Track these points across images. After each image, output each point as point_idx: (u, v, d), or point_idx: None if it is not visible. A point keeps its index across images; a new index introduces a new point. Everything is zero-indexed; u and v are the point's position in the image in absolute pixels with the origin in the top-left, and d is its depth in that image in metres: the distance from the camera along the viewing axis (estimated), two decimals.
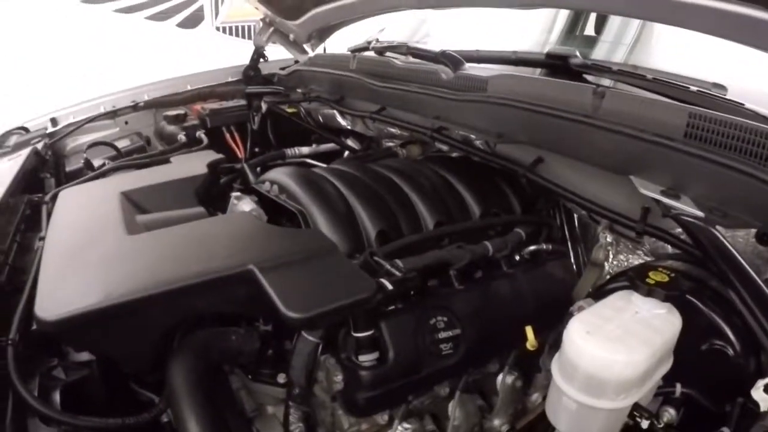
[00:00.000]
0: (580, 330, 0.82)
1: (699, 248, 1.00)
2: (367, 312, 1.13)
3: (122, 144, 2.19)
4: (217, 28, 6.37)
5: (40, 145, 2.05)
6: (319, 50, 2.61)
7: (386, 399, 1.20)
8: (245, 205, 1.47)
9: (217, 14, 6.28)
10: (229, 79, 2.58)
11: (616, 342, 0.80)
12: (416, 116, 1.76)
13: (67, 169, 2.12)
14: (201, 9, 6.23)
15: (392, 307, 1.21)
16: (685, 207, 1.05)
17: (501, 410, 1.40)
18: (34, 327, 1.06)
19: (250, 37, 6.53)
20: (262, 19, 2.51)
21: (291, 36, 2.50)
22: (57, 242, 1.22)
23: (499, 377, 1.38)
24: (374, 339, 1.16)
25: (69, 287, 1.02)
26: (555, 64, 1.55)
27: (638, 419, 0.87)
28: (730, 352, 0.99)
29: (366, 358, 1.15)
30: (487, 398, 1.44)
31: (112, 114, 2.34)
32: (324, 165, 1.88)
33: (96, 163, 2.02)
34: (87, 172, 1.97)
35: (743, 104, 1.19)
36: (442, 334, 1.23)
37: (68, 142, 2.25)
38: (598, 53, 1.95)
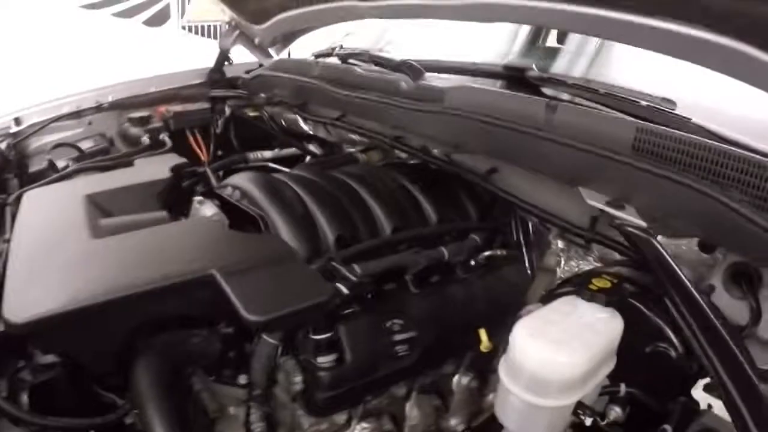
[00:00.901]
0: (525, 332, 0.87)
1: (639, 256, 1.05)
2: (326, 315, 1.16)
3: (86, 145, 2.16)
4: (183, 27, 6.35)
5: (3, 145, 2.02)
6: (284, 54, 2.63)
7: (345, 399, 1.24)
8: (207, 209, 1.48)
9: (183, 13, 6.26)
10: (195, 82, 2.57)
11: (558, 344, 0.85)
12: (376, 124, 1.79)
13: (31, 169, 2.07)
14: (167, 7, 6.21)
15: (349, 311, 1.23)
16: (629, 217, 1.10)
17: (457, 410, 1.47)
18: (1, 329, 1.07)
19: (215, 37, 6.54)
20: (227, 23, 2.51)
21: (256, 40, 2.51)
22: (22, 245, 1.23)
23: (455, 378, 1.44)
24: (332, 341, 1.18)
25: (36, 290, 1.03)
26: (513, 76, 1.60)
27: (582, 417, 0.92)
28: (673, 354, 1.05)
29: (324, 360, 1.17)
30: (444, 399, 1.48)
31: (76, 114, 2.30)
32: (286, 169, 1.90)
33: (60, 164, 1.99)
34: (50, 173, 1.94)
35: (690, 119, 1.25)
36: (398, 336, 1.26)
37: (31, 142, 2.18)
38: (560, 64, 1.99)
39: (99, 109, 2.34)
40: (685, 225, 1.11)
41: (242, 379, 1.24)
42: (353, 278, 1.18)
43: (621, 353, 0.99)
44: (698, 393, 0.95)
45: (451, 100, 1.50)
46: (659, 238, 1.13)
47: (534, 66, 1.56)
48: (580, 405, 0.92)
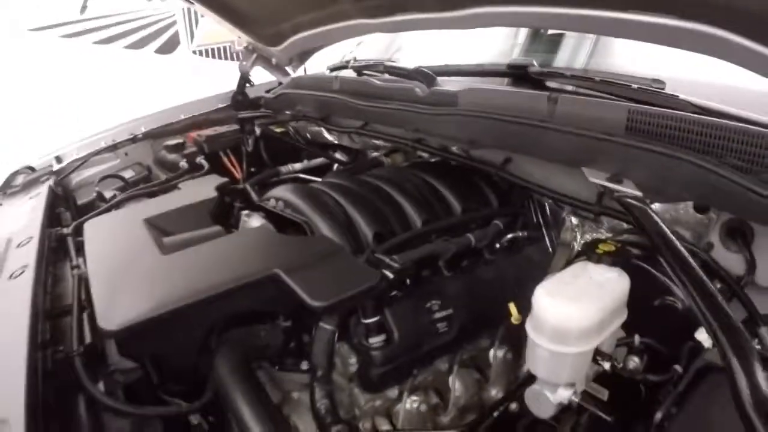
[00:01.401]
0: (544, 293, 1.06)
1: (636, 223, 1.24)
2: (374, 301, 1.35)
3: (128, 175, 2.39)
4: (194, 52, 6.59)
5: (51, 182, 2.24)
6: (300, 71, 2.84)
7: (395, 374, 1.41)
8: (255, 221, 1.69)
9: (192, 38, 6.50)
10: (219, 106, 2.79)
11: (573, 299, 1.03)
12: (398, 129, 1.99)
13: (79, 202, 2.31)
14: (176, 34, 6.46)
15: (394, 295, 1.42)
16: (626, 189, 1.29)
17: (496, 381, 1.62)
18: (89, 341, 1.25)
19: (225, 58, 6.79)
20: (245, 47, 2.73)
21: (273, 60, 2.73)
22: (99, 267, 1.41)
23: (491, 351, 1.60)
24: (380, 324, 1.37)
25: (124, 301, 1.22)
26: (516, 74, 1.78)
27: (600, 362, 1.11)
28: (679, 305, 1.23)
29: (375, 341, 1.35)
30: (483, 371, 1.64)
31: (113, 147, 2.53)
32: (317, 179, 2.10)
33: (107, 194, 2.22)
34: (100, 204, 2.16)
35: (677, 96, 1.42)
36: (437, 315, 1.44)
37: (74, 176, 2.42)
38: (564, 51, 2.16)
39: (134, 140, 2.57)
40: (678, 191, 1.29)
41: (304, 365, 1.41)
42: (395, 266, 1.36)
43: (633, 308, 1.17)
44: (701, 335, 1.13)
45: (464, 102, 1.70)
46: (656, 205, 1.31)
47: (534, 62, 1.74)
48: (598, 352, 1.10)
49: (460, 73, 1.99)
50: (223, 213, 1.85)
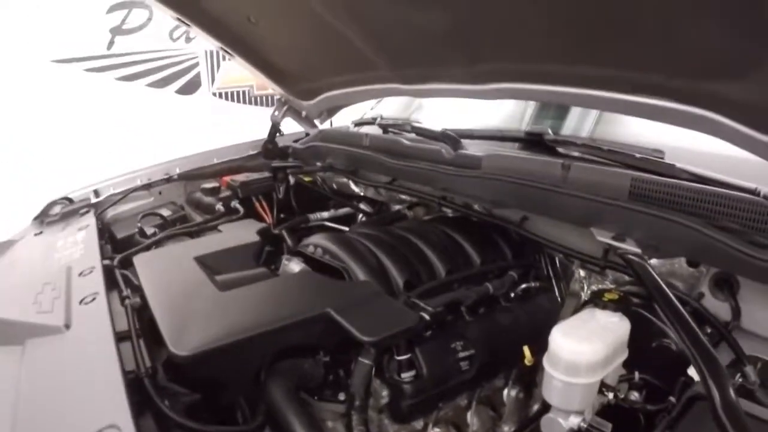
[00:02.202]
0: (560, 334, 1.31)
1: (636, 276, 1.50)
2: (406, 341, 1.56)
3: (165, 213, 2.61)
4: (214, 94, 6.91)
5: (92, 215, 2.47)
6: (326, 123, 3.12)
7: (422, 407, 1.60)
8: (295, 265, 1.92)
9: (213, 81, 6.82)
10: (250, 152, 3.07)
11: (583, 339, 1.29)
12: (424, 186, 2.26)
13: (119, 235, 2.49)
14: (198, 76, 6.78)
15: (423, 335, 1.63)
16: (628, 247, 1.55)
17: (508, 418, 1.81)
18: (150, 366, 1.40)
19: (244, 101, 7.11)
20: (278, 99, 3.02)
21: (303, 113, 3.02)
22: (160, 299, 1.61)
23: (506, 391, 1.81)
24: (411, 361, 1.56)
25: (192, 331, 1.42)
26: (533, 140, 2.06)
27: (605, 393, 1.36)
28: (673, 346, 1.48)
29: (407, 375, 1.54)
30: (497, 409, 1.84)
31: (148, 186, 2.78)
32: (344, 227, 2.36)
33: (148, 230, 2.44)
34: (140, 239, 2.38)
35: (674, 165, 1.67)
36: (461, 354, 1.63)
37: (109, 211, 2.65)
38: (573, 117, 2.40)
39: (168, 180, 2.81)
40: (673, 249, 1.56)
41: (341, 396, 1.59)
42: (430, 309, 1.60)
43: (633, 348, 1.41)
44: (692, 371, 1.37)
45: (487, 166, 1.98)
46: (653, 260, 1.58)
47: (549, 130, 2.02)
48: (603, 385, 1.35)
49: (482, 137, 2.26)
50: (264, 256, 2.10)
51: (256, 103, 7.10)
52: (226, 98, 6.88)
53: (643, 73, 1.50)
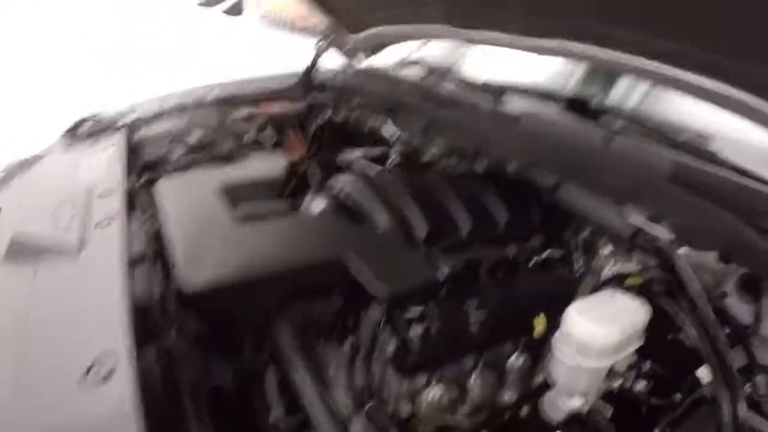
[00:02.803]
0: (575, 312, 1.28)
1: (663, 265, 1.45)
2: (419, 294, 1.56)
3: (193, 137, 2.57)
4: (261, 17, 6.88)
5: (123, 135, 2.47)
6: (369, 60, 3.05)
7: (428, 362, 1.61)
8: (319, 204, 1.90)
9: (260, 4, 6.78)
10: (289, 83, 3.01)
11: (598, 320, 1.26)
12: (459, 138, 2.21)
13: (146, 157, 2.45)
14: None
15: (437, 291, 1.62)
16: (661, 231, 1.50)
17: (511, 386, 1.80)
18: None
19: (288, 28, 7.03)
20: (324, 29, 2.95)
21: (348, 46, 2.95)
22: (175, 227, 1.62)
23: (511, 358, 1.80)
24: (422, 315, 1.55)
25: (205, 264, 1.43)
26: (578, 105, 1.99)
27: (612, 379, 1.33)
28: (688, 342, 1.44)
29: (416, 329, 1.53)
30: (501, 377, 1.82)
31: (182, 108, 2.75)
32: (376, 166, 2.33)
33: (174, 155, 2.43)
34: (164, 163, 2.37)
35: (718, 154, 1.62)
36: (473, 318, 1.62)
37: (139, 132, 2.61)
38: (621, 86, 2.30)
39: (203, 104, 2.80)
40: (706, 241, 1.50)
41: (348, 343, 1.60)
42: (447, 268, 1.58)
43: (648, 337, 1.38)
44: (701, 372, 1.34)
45: (526, 125, 1.91)
46: (683, 249, 1.53)
47: (596, 98, 1.94)
48: (611, 371, 1.32)
49: (525, 93, 2.19)
50: (289, 189, 2.08)
51: (302, 31, 7.03)
52: (273, 24, 6.83)
53: (705, 52, 1.42)
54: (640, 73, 1.69)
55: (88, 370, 1.04)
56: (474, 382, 1.74)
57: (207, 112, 2.82)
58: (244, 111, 2.74)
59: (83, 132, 2.54)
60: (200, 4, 6.44)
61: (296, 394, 1.37)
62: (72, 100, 5.15)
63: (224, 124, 2.77)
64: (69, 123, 2.56)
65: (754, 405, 1.30)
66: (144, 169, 2.31)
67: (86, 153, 2.29)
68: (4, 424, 0.97)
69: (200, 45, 6.08)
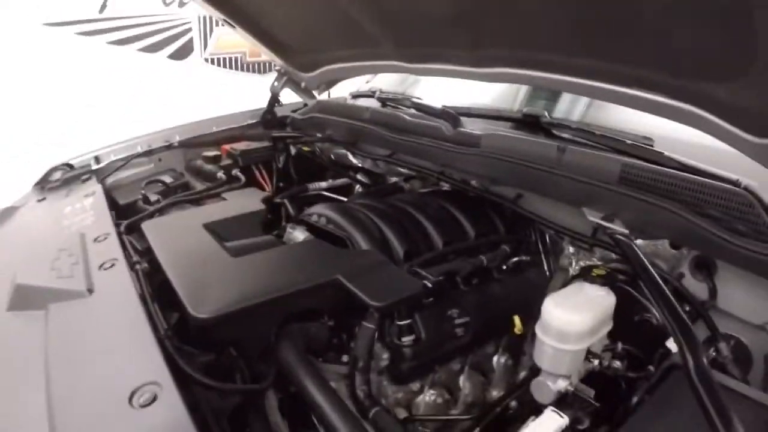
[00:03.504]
0: (552, 303, 1.46)
1: (623, 255, 1.65)
2: (406, 307, 1.69)
3: (167, 180, 2.69)
4: (206, 60, 6.97)
5: (96, 182, 2.56)
6: (324, 95, 3.23)
7: (420, 369, 1.74)
8: (299, 233, 2.04)
9: (205, 47, 6.88)
10: (250, 122, 3.17)
11: (573, 310, 1.44)
12: (424, 161, 2.40)
13: (120, 202, 2.55)
14: (191, 41, 6.83)
15: (422, 303, 1.75)
16: (617, 227, 1.70)
17: (497, 383, 1.96)
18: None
19: (236, 68, 7.16)
20: (278, 70, 3.12)
21: (302, 84, 3.12)
22: (174, 264, 1.71)
23: (495, 358, 1.96)
24: (410, 326, 1.69)
25: (210, 295, 1.52)
26: (529, 121, 2.20)
27: (591, 360, 1.52)
28: (654, 321, 1.64)
29: (406, 339, 1.68)
30: (486, 375, 1.97)
31: (150, 153, 2.86)
32: (342, 198, 2.49)
33: (152, 197, 2.51)
34: (143, 206, 2.47)
35: (663, 153, 1.82)
36: (456, 321, 1.77)
37: (110, 177, 2.71)
38: (565, 101, 2.48)
39: (169, 147, 2.90)
40: (657, 232, 1.71)
41: (344, 358, 1.72)
42: (432, 278, 1.74)
43: (618, 321, 1.57)
44: (670, 343, 1.52)
45: (486, 145, 2.11)
46: (640, 240, 1.73)
47: (546, 113, 2.15)
48: (589, 352, 1.51)
49: (481, 116, 2.39)
50: (268, 223, 2.23)
51: (248, 70, 7.17)
52: (219, 64, 6.96)
53: (637, 69, 1.64)
54: (582, 92, 1.90)
55: (130, 398, 1.14)
56: (463, 383, 1.89)
57: (173, 154, 2.96)
58: (209, 152, 2.86)
59: (55, 181, 2.63)
60: (141, 50, 6.50)
61: (310, 406, 1.46)
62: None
63: (192, 166, 2.90)
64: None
65: (719, 366, 1.52)
66: (120, 212, 2.38)
67: (64, 202, 2.37)
68: None
69: (147, 91, 6.16)
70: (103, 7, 6.21)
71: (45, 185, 2.62)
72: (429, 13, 1.99)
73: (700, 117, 1.59)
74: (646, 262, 1.55)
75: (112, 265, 1.71)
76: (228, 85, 6.11)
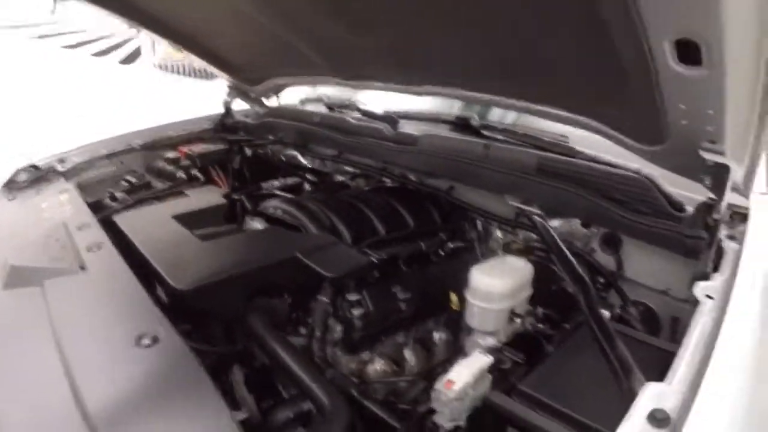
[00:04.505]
0: (478, 271, 1.75)
1: (539, 234, 1.97)
2: (355, 284, 1.94)
3: (131, 180, 2.88)
4: (155, 65, 7.11)
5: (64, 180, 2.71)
6: (273, 101, 3.48)
7: (369, 339, 1.98)
8: (258, 224, 2.30)
9: (155, 52, 7.01)
10: (206, 126, 3.40)
11: (495, 275, 1.74)
12: (368, 159, 2.69)
13: (88, 200, 2.58)
14: (139, 48, 6.97)
15: (369, 280, 2.01)
16: (534, 210, 2.02)
17: (439, 355, 2.17)
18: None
19: (184, 73, 7.30)
20: (228, 85, 3.37)
21: (252, 94, 3.38)
22: (151, 248, 1.91)
23: (435, 333, 2.19)
24: (359, 301, 1.93)
25: (188, 271, 1.75)
26: (462, 124, 2.51)
27: (515, 319, 1.81)
28: (570, 288, 1.92)
29: (356, 312, 1.91)
30: (430, 350, 2.18)
31: (112, 155, 3.02)
32: (291, 195, 2.74)
33: (118, 194, 2.68)
34: (110, 203, 2.63)
35: (575, 147, 2.11)
36: (400, 296, 2.02)
37: (75, 178, 2.83)
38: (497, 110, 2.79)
39: (131, 150, 3.09)
40: (569, 213, 2.04)
41: (302, 330, 1.96)
42: (377, 256, 2.01)
43: (539, 289, 1.87)
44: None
45: (422, 143, 2.41)
46: (555, 222, 2.04)
47: (475, 116, 2.47)
48: (513, 313, 1.80)
49: (418, 118, 2.69)
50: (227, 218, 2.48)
51: (196, 76, 7.32)
52: (167, 70, 7.10)
53: (542, 91, 1.96)
54: (503, 106, 2.21)
55: (137, 342, 1.34)
56: (408, 355, 2.11)
57: (134, 157, 3.13)
58: (169, 154, 3.08)
59: (22, 182, 2.71)
60: (94, 55, 6.61)
61: (281, 366, 1.64)
62: None
63: (153, 167, 3.10)
64: None
65: (625, 322, 1.86)
66: (93, 209, 2.49)
67: (37, 199, 2.50)
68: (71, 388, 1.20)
69: (99, 92, 6.26)
70: (53, 11, 6.31)
71: (13, 186, 2.70)
72: (360, 47, 2.30)
73: (599, 128, 1.89)
74: (557, 238, 1.87)
75: (99, 248, 1.86)
76: (176, 90, 6.26)
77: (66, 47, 6.27)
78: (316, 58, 2.60)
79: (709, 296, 1.38)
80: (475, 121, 2.42)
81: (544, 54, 1.74)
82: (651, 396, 1.05)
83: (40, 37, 6.02)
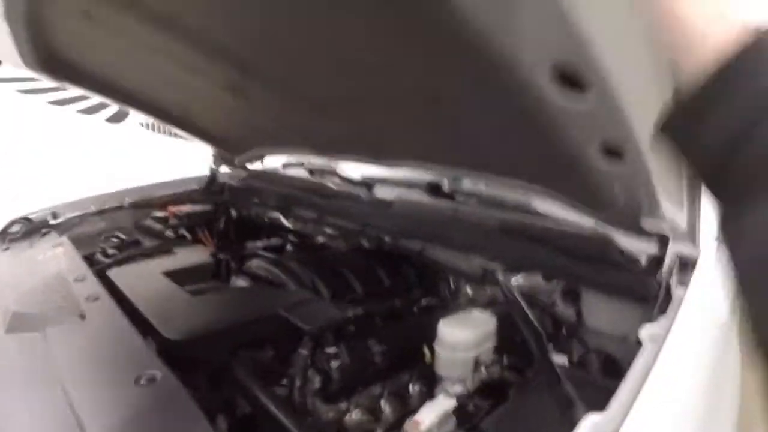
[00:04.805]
0: (445, 324, 1.92)
1: (502, 291, 2.15)
2: (333, 338, 2.07)
3: (122, 236, 3.03)
4: (141, 124, 7.29)
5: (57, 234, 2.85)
6: (257, 165, 3.69)
7: (347, 391, 2.06)
8: (243, 282, 2.48)
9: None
10: (193, 187, 3.59)
11: (459, 326, 1.91)
12: (346, 222, 2.90)
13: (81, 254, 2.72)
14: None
15: (346, 334, 2.16)
16: (498, 268, 2.20)
17: (414, 406, 2.11)
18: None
19: (167, 133, 7.46)
20: (213, 155, 3.60)
21: (236, 161, 3.60)
22: (143, 300, 2.04)
23: (410, 385, 2.26)
24: (337, 354, 2.04)
25: (178, 323, 1.89)
26: (434, 188, 2.72)
27: (481, 367, 1.97)
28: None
29: (334, 364, 2.03)
30: (405, 401, 2.21)
31: (102, 212, 3.19)
32: (273, 256, 2.91)
33: (108, 251, 2.83)
34: (101, 258, 2.77)
35: (536, 208, 2.30)
36: (375, 349, 2.13)
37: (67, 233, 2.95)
38: None
39: (120, 208, 3.27)
40: (531, 268, 2.22)
41: (284, 381, 2.05)
42: (353, 311, 2.17)
43: (504, 341, 2.03)
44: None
45: (397, 207, 2.63)
46: (519, 276, 2.23)
47: (446, 181, 2.68)
48: (477, 361, 1.96)
49: (392, 183, 2.91)
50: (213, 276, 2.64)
51: (179, 136, 7.47)
52: (153, 129, 7.26)
53: (494, 163, 2.16)
54: (459, 174, 2.46)
55: (135, 381, 1.46)
56: (384, 406, 2.17)
57: (123, 214, 3.30)
58: (158, 213, 3.26)
59: (15, 233, 2.87)
60: (80, 111, 6.77)
61: (264, 413, 1.76)
62: None
63: (142, 225, 3.27)
64: None
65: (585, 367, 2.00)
66: (87, 263, 2.59)
67: (31, 252, 2.63)
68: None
69: (85, 151, 6.40)
70: None
71: (6, 236, 2.84)
72: (331, 131, 2.53)
73: (555, 195, 2.08)
74: (516, 294, 2.05)
75: (97, 299, 1.98)
76: (162, 148, 6.42)
77: (52, 103, 6.38)
78: (292, 137, 2.84)
79: (652, 337, 1.54)
80: (445, 186, 2.63)
81: (469, 131, 1.90)
82: (589, 425, 1.21)
83: (27, 92, 6.10)
